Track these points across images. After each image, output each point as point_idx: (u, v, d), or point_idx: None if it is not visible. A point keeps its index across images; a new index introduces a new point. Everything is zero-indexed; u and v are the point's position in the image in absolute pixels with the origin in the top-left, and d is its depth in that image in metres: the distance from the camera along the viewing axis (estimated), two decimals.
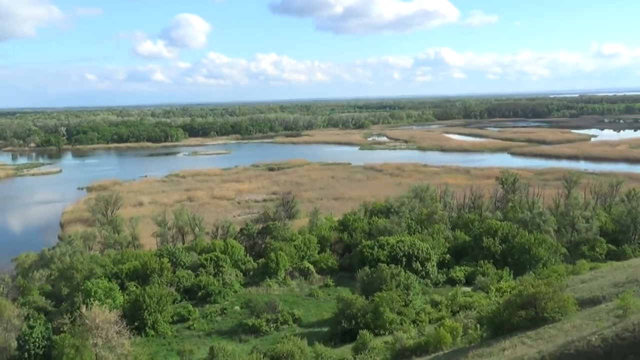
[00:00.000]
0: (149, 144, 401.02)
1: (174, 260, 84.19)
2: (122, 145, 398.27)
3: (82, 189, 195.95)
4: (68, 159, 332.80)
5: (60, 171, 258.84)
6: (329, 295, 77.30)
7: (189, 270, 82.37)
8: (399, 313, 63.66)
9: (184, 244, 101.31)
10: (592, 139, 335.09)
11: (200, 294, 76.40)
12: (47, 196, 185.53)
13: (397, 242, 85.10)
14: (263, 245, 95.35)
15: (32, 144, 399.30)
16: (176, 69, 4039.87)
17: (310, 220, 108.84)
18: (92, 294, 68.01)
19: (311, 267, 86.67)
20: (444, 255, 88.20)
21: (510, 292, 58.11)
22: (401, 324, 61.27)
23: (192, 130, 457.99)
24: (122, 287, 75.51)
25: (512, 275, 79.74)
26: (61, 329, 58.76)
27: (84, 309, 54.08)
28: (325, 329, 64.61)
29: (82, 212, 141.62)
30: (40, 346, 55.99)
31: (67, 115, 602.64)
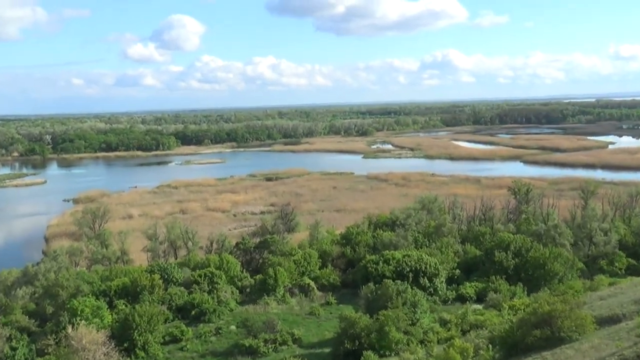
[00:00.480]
0: (139, 152, 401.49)
1: (166, 276, 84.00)
2: (111, 154, 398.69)
3: (68, 200, 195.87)
4: (53, 169, 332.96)
5: (45, 182, 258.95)
6: (330, 313, 77.10)
7: (182, 287, 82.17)
8: (405, 332, 63.44)
9: (176, 259, 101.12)
10: (610, 146, 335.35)
11: (193, 312, 76.19)
12: (31, 208, 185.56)
13: (403, 256, 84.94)
14: (260, 261, 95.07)
15: (15, 153, 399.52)
16: (168, 73, 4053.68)
17: (311, 233, 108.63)
18: (79, 312, 67.83)
19: (312, 283, 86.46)
20: (454, 270, 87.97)
21: (524, 309, 57.97)
22: (408, 345, 61.03)
23: (185, 138, 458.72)
24: (111, 306, 75.30)
25: (525, 292, 79.51)
26: (45, 351, 58.61)
27: (69, 329, 53.99)
28: (326, 350, 64.38)
29: (68, 226, 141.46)
30: None
31: (52, 123, 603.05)
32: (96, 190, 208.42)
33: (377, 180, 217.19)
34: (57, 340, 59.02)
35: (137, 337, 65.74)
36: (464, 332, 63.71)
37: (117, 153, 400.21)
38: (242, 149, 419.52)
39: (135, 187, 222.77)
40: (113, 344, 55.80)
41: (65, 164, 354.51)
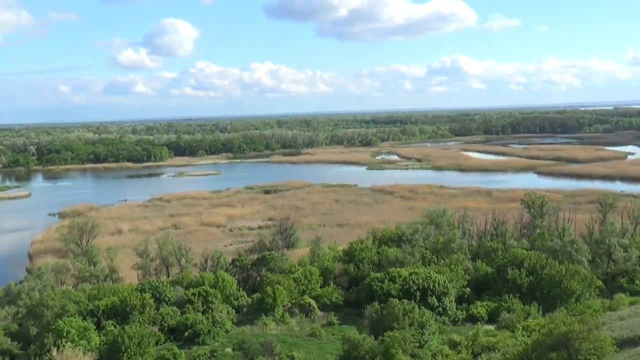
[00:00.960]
0: (130, 164, 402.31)
1: (158, 295, 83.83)
2: (99, 165, 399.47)
3: (53, 215, 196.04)
4: (38, 182, 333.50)
5: (29, 195, 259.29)
6: (333, 335, 76.84)
7: (175, 307, 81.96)
8: (412, 355, 63.17)
9: (168, 277, 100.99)
10: (629, 157, 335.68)
11: (187, 334, 75.96)
12: (14, 223, 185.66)
13: (410, 274, 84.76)
14: (258, 278, 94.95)
15: None
16: (160, 79, 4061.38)
17: (312, 249, 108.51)
18: (64, 334, 67.65)
19: (313, 302, 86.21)
20: (464, 289, 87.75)
21: (539, 330, 57.85)
22: None
23: (178, 149, 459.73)
24: (99, 327, 75.11)
25: (541, 312, 79.23)
26: None
27: (54, 352, 53.87)
28: None
29: (54, 242, 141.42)
30: None
31: (37, 133, 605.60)
32: (83, 203, 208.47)
33: (382, 193, 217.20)
34: None
35: None
36: (475, 355, 63.46)
37: (106, 164, 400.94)
38: (238, 160, 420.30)
39: (125, 200, 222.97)
40: None
41: (50, 176, 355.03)
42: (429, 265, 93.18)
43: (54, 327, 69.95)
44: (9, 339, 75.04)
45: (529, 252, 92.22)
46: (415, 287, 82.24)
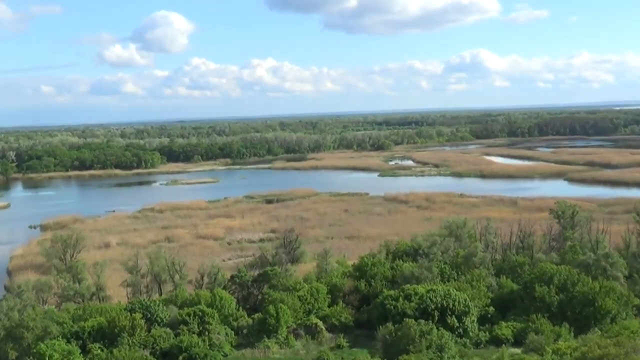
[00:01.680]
0: (118, 171, 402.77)
1: (149, 315, 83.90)
2: (85, 173, 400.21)
3: (34, 227, 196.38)
4: (18, 191, 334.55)
5: (8, 205, 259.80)
6: (342, 358, 76.74)
7: (168, 329, 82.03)
8: None
9: (161, 295, 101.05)
10: None
11: (181, 357, 75.96)
12: None
13: (428, 291, 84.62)
14: (260, 297, 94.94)
15: None
16: (152, 78, 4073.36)
17: (319, 264, 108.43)
18: (47, 358, 67.73)
19: (320, 323, 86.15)
20: (487, 307, 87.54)
21: (570, 354, 57.60)
22: None
23: (171, 154, 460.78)
24: (84, 350, 75.20)
25: (572, 333, 78.93)
26: None
27: None
28: None
29: (35, 257, 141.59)
30: None
31: (17, 137, 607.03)
32: (67, 215, 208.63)
33: (396, 201, 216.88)
34: None
35: None
36: None
37: (92, 172, 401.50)
38: (237, 167, 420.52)
39: (113, 211, 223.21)
40: None
41: (31, 185, 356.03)
42: (448, 281, 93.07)
43: (35, 350, 70.06)
44: None
45: (559, 266, 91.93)
46: (433, 306, 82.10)
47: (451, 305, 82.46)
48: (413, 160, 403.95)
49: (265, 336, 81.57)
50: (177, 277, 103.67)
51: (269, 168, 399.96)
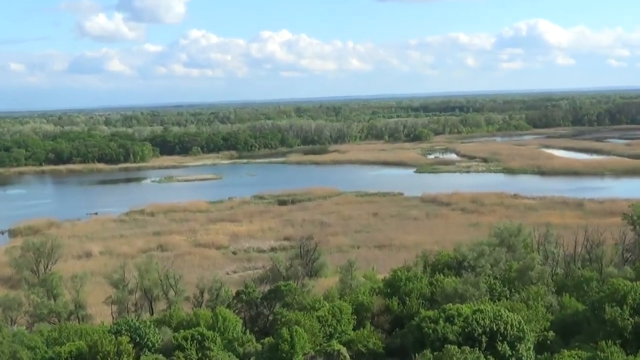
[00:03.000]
0: (101, 165, 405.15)
1: (138, 339, 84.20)
2: (62, 167, 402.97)
3: (1, 233, 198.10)
4: None
5: None
6: None
7: (160, 355, 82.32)
8: None
9: (152, 314, 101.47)
10: None
11: None
12: None
13: (474, 312, 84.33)
14: (271, 317, 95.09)
15: None
16: (142, 54, 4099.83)
17: (342, 279, 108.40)
18: None
19: (343, 350, 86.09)
20: (545, 332, 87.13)
21: None
22: None
23: (165, 146, 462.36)
24: None
25: None
26: None
27: None
28: None
29: (2, 268, 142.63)
30: None
31: None
32: (41, 218, 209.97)
33: (435, 203, 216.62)
34: None
35: None
36: None
37: (71, 166, 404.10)
38: (244, 161, 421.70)
39: (96, 213, 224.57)
40: None
41: None
42: (499, 300, 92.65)
43: None
44: None
45: (634, 283, 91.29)
46: (480, 330, 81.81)
47: (502, 329, 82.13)
48: (457, 154, 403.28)
49: None
50: (171, 293, 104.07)
51: (283, 162, 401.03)
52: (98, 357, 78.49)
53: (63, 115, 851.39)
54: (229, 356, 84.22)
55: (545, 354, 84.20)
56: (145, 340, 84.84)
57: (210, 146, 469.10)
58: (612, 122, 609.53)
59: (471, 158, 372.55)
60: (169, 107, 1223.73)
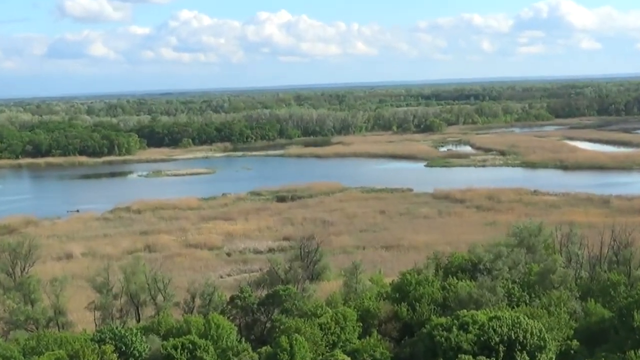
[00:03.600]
0: (83, 158, 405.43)
1: (123, 348, 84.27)
2: (40, 160, 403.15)
3: None
4: None
5: None
6: None
7: None
8: None
9: (139, 321, 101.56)
10: None
11: None
12: None
13: (490, 319, 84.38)
14: (269, 324, 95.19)
15: None
16: (128, 37, 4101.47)
17: (346, 282, 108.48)
18: None
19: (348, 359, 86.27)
20: (569, 341, 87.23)
21: None
22: None
23: (154, 137, 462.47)
24: None
25: None
26: None
27: None
28: None
29: None
30: None
31: None
32: (17, 215, 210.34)
33: (448, 200, 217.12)
34: None
35: None
36: None
37: (50, 159, 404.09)
38: (240, 153, 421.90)
39: (77, 211, 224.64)
40: None
41: None
42: (518, 306, 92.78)
43: None
44: None
45: None
46: (497, 339, 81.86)
47: (521, 338, 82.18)
48: (471, 146, 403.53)
49: None
50: (160, 298, 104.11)
51: (281, 155, 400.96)
52: None
53: (41, 104, 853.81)
54: None
55: None
56: (132, 349, 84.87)
57: (203, 137, 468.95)
58: None
59: (487, 151, 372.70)
60: (157, 95, 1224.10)
